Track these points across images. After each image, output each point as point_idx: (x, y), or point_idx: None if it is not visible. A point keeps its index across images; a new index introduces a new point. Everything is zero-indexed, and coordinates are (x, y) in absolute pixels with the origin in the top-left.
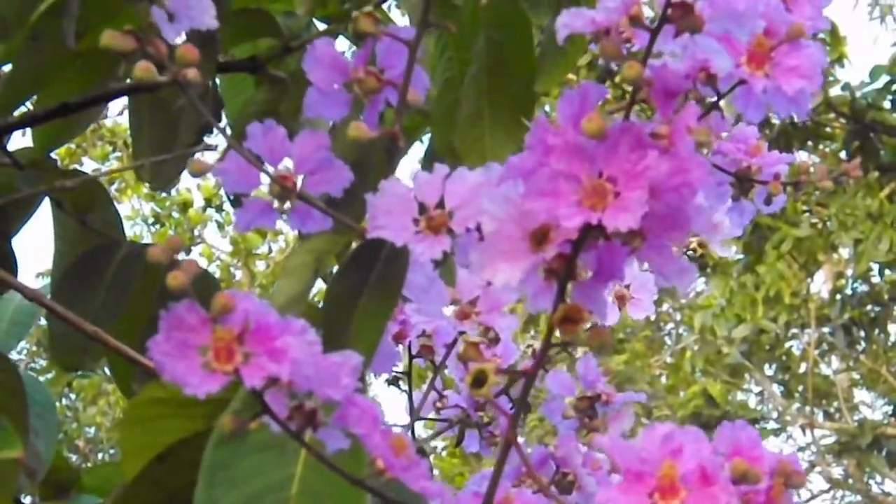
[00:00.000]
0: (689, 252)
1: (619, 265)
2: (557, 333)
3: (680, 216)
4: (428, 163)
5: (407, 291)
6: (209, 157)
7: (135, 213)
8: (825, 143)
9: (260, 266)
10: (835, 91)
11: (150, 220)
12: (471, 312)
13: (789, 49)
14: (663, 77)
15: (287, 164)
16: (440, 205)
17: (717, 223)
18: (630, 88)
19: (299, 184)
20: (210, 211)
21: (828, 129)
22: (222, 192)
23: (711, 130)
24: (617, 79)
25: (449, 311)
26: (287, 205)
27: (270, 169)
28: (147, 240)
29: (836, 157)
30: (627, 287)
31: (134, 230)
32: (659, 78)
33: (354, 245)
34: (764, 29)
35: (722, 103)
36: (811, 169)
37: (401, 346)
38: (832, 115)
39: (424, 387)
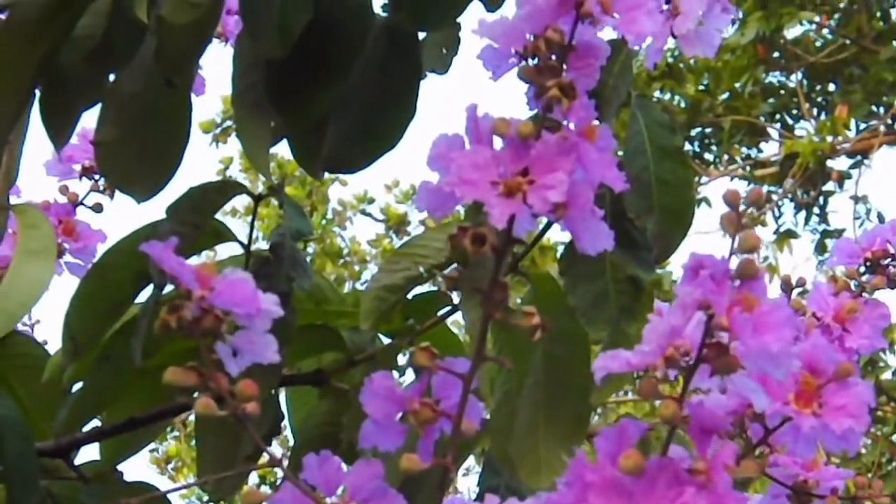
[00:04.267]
0: None
1: None
2: None
3: None
4: (486, 471)
5: None
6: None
7: (190, 491)
8: (877, 427)
9: None
10: (886, 375)
11: (205, 499)
12: None
13: (837, 388)
14: (700, 415)
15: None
16: None
17: None
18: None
19: None
20: (265, 488)
21: (879, 413)
22: (277, 471)
23: (757, 466)
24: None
25: None
26: None
27: (327, 500)
28: None
29: (888, 440)
30: None
31: None
32: (696, 416)
33: None
34: (811, 367)
35: None
36: (868, 484)
37: None
38: (883, 399)
39: None
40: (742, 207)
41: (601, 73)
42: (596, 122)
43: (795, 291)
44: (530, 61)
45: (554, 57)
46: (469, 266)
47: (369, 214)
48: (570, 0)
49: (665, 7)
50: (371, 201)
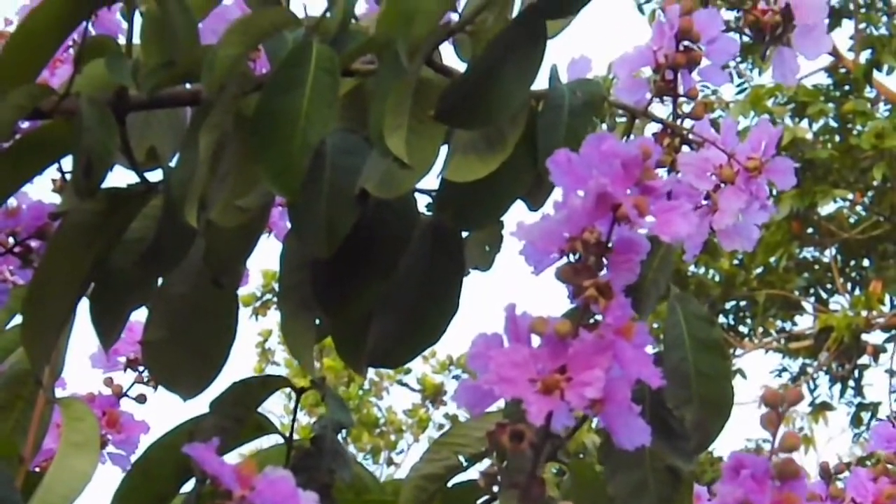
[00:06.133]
0: None
1: None
2: None
3: None
4: None
5: None
6: None
7: None
8: None
9: None
10: None
11: None
12: None
13: None
14: None
15: None
16: None
17: None
18: None
19: None
20: None
21: None
22: None
23: None
24: None
25: None
26: None
27: None
28: None
29: None
30: None
31: None
32: None
33: None
34: None
35: None
36: None
37: None
38: None
39: None
40: (782, 408)
41: (641, 267)
42: (632, 320)
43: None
44: (571, 257)
45: (592, 257)
46: (507, 460)
47: (406, 384)
48: (606, 203)
49: (704, 203)
50: (407, 372)
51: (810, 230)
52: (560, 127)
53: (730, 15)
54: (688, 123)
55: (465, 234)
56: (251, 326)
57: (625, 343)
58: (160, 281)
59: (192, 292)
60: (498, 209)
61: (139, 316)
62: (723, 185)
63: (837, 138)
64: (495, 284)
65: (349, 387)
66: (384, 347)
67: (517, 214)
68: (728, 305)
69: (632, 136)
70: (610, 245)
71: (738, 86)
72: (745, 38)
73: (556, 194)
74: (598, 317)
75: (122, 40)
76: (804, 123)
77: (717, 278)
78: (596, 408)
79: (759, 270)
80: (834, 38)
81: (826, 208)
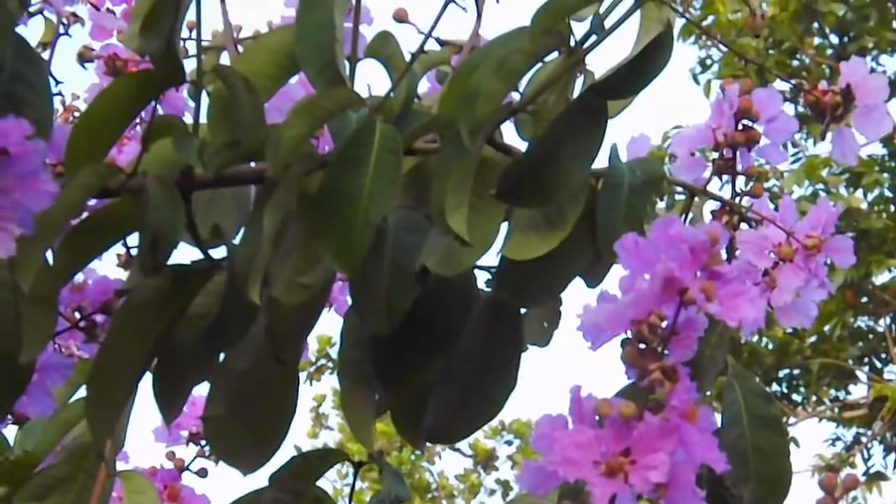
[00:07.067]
0: None
1: None
2: None
3: None
4: None
5: None
6: None
7: None
8: None
9: None
10: None
11: None
12: None
13: None
14: None
15: None
16: None
17: None
18: None
19: None
20: None
21: None
22: None
23: None
24: None
25: None
26: None
27: None
28: None
29: None
30: None
31: None
32: None
33: None
34: None
35: None
36: None
37: None
38: None
39: None
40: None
41: (699, 344)
42: (697, 404)
43: None
44: (629, 334)
45: (656, 340)
46: None
47: (458, 450)
48: (674, 287)
49: (762, 279)
50: None
51: (865, 299)
52: (620, 206)
53: (784, 85)
54: (746, 201)
55: (523, 310)
56: (306, 391)
57: (690, 427)
58: (222, 356)
59: (253, 368)
60: (557, 286)
61: (202, 390)
62: (781, 262)
63: (892, 208)
64: (546, 354)
65: (402, 451)
66: (442, 424)
67: (576, 290)
68: (782, 374)
69: (690, 214)
70: (676, 329)
71: (793, 155)
72: (800, 109)
73: (617, 272)
74: (659, 394)
75: (188, 119)
76: (859, 193)
77: (770, 346)
78: (660, 492)
79: (813, 339)
80: (890, 109)
81: (881, 278)
